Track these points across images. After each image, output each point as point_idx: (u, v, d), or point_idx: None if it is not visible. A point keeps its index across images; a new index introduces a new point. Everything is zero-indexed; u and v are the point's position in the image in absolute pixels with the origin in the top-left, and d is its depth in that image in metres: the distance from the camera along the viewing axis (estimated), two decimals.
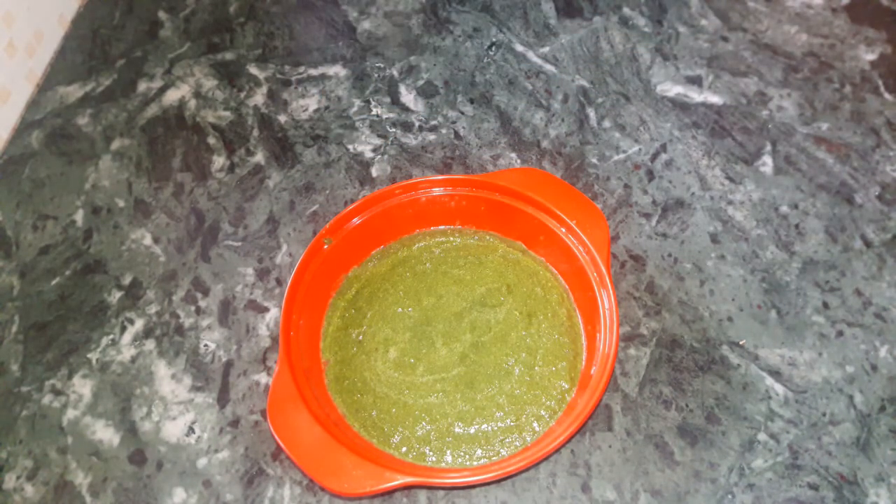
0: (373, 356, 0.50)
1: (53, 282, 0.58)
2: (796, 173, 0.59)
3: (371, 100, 0.66)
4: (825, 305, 0.53)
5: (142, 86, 0.69)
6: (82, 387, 0.53)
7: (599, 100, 0.65)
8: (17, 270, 0.58)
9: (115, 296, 0.57)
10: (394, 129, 0.64)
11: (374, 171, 0.62)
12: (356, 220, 0.53)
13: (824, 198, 0.58)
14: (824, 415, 0.49)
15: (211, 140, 0.65)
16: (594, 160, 0.61)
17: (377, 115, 0.65)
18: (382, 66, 0.69)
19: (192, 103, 0.67)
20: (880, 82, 0.64)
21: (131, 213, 0.61)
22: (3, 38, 0.65)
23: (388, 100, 0.66)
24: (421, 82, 0.67)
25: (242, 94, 0.68)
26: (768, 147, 0.61)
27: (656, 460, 0.47)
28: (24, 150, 0.65)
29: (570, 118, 0.64)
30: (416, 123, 0.64)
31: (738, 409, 0.49)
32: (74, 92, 0.69)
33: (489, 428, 0.47)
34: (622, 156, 0.61)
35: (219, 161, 0.64)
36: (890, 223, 0.56)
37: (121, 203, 0.62)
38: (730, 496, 0.46)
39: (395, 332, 0.51)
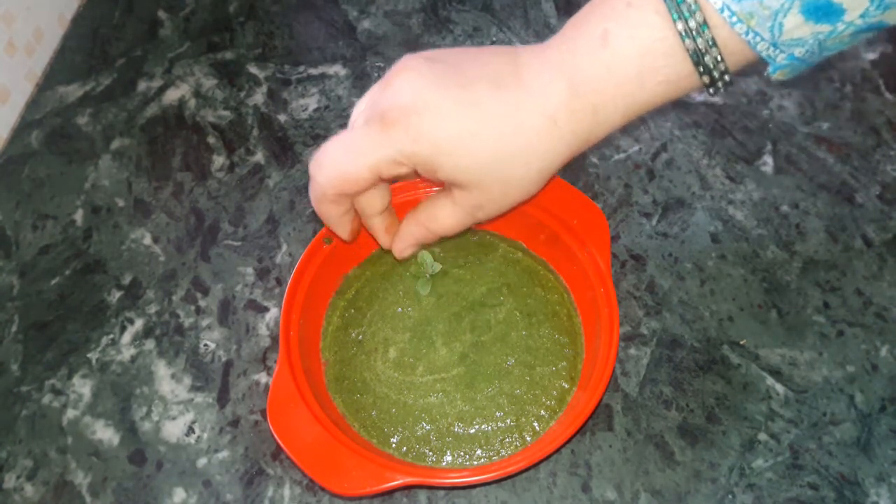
0: (373, 356, 0.50)
1: (53, 281, 0.58)
2: (797, 173, 0.59)
3: None
4: (826, 305, 0.53)
5: (141, 85, 0.69)
6: (82, 386, 0.53)
7: None
8: (17, 270, 0.58)
9: (115, 295, 0.57)
10: None
11: None
12: None
13: (825, 197, 0.58)
14: (825, 414, 0.48)
15: (211, 139, 0.65)
16: (594, 160, 0.61)
17: None
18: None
19: (192, 103, 0.67)
20: (881, 82, 0.64)
21: (131, 213, 0.61)
22: (3, 37, 0.65)
23: None
24: None
25: (242, 94, 0.68)
26: (769, 146, 0.60)
27: (657, 460, 0.47)
28: (23, 150, 0.65)
29: None
30: None
31: (739, 408, 0.49)
32: (74, 91, 0.69)
33: (489, 428, 0.47)
34: (622, 155, 0.61)
35: (219, 161, 0.64)
36: (890, 223, 0.56)
37: (121, 203, 0.62)
38: (730, 496, 0.46)
39: (394, 331, 0.51)
